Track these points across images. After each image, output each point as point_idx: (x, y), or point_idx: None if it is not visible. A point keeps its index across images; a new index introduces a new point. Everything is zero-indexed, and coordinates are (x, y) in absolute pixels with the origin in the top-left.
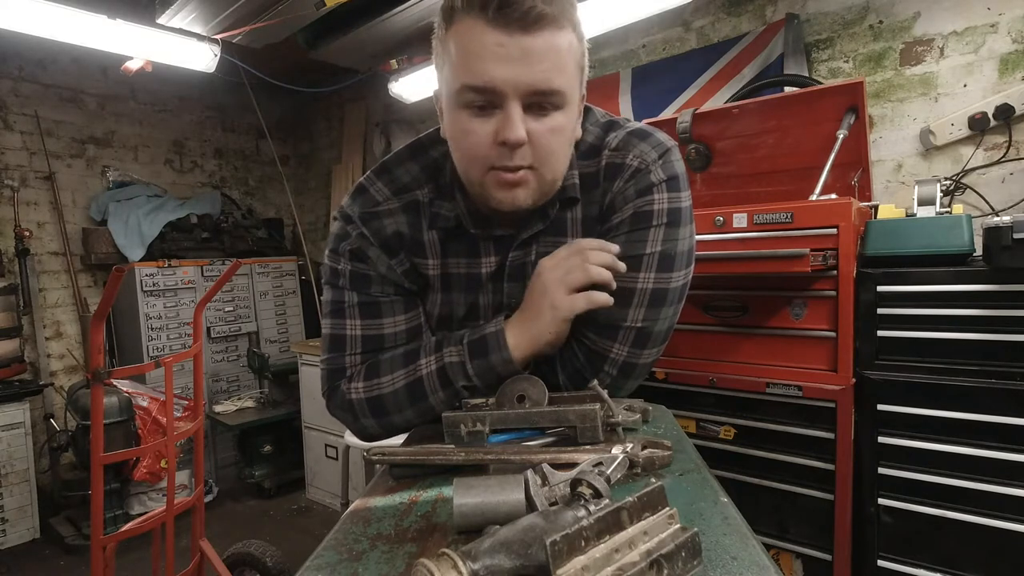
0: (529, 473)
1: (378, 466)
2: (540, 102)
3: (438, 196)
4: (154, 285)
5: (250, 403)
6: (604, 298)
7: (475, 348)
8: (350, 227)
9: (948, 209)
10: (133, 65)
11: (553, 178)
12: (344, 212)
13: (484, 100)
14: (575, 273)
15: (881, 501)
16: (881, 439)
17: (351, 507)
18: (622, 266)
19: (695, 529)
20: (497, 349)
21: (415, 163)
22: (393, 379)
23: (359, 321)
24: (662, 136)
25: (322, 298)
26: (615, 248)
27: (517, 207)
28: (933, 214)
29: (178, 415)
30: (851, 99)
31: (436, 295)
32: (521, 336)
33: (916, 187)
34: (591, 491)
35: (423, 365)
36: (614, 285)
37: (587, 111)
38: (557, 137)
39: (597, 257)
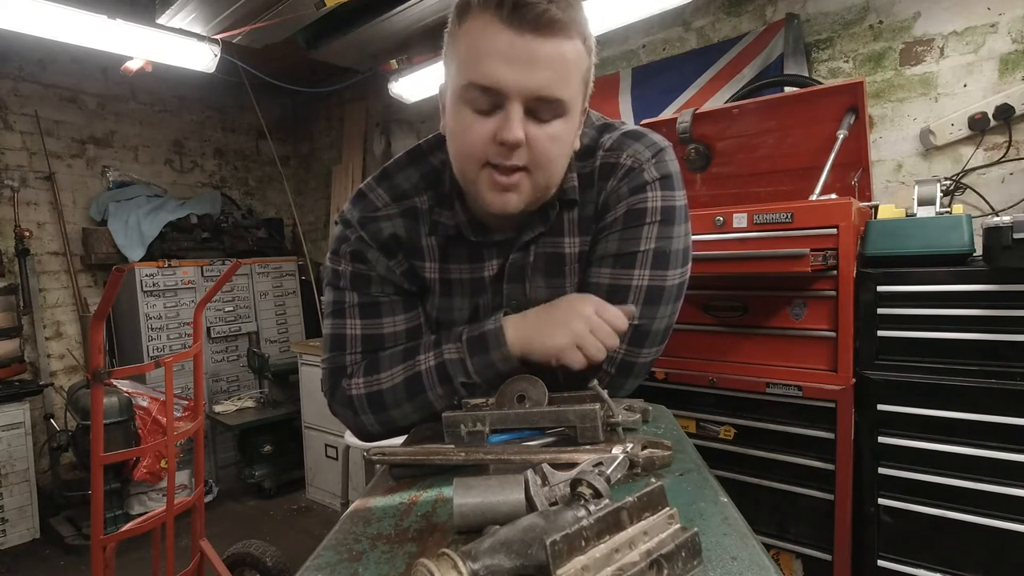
0: (529, 473)
1: (378, 466)
2: (541, 108)
3: (438, 204)
4: (154, 285)
5: (250, 403)
6: (582, 363)
7: (474, 345)
8: (349, 231)
9: (948, 209)
10: (133, 65)
11: (547, 184)
12: (344, 217)
13: (488, 100)
14: (596, 337)
15: (881, 501)
16: (881, 439)
17: (351, 507)
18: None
19: (695, 529)
20: (497, 346)
21: (415, 170)
22: (392, 374)
23: (359, 321)
24: (656, 137)
25: (323, 300)
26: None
27: (507, 212)
28: (933, 214)
29: (178, 415)
30: (851, 99)
31: (434, 299)
32: (516, 332)
33: (916, 187)
34: (591, 491)
35: (421, 361)
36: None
37: None
38: (555, 144)
39: (613, 339)
